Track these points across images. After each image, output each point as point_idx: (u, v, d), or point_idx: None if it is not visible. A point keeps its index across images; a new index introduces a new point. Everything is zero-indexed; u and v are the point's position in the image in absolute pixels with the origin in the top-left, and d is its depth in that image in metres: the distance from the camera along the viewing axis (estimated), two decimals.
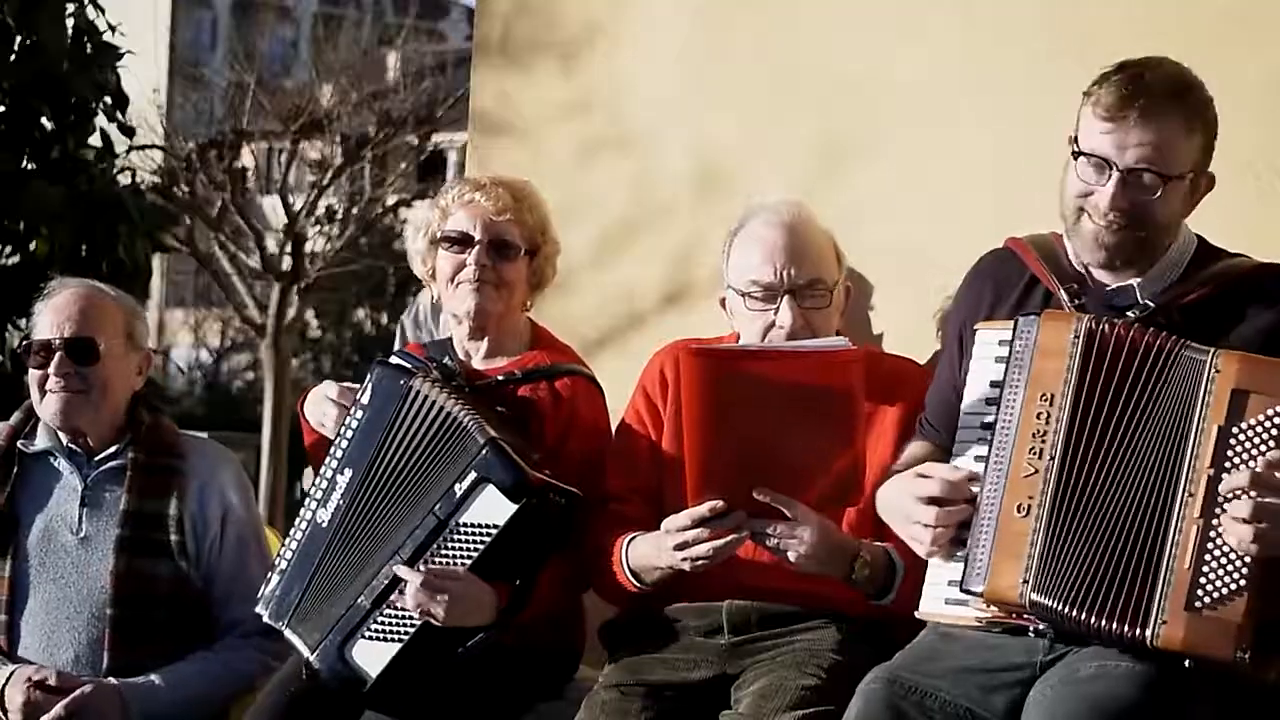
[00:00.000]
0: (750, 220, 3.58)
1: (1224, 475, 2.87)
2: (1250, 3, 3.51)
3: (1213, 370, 2.91)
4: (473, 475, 3.40)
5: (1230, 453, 2.88)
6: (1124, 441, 2.94)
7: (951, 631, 3.08)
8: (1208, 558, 2.85)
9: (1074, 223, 3.11)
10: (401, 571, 3.41)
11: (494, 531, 3.39)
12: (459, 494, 3.40)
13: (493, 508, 3.39)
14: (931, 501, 3.05)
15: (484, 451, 3.40)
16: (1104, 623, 2.87)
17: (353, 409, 3.59)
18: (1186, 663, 2.85)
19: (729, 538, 3.21)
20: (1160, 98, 3.00)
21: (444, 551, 3.42)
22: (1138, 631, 2.85)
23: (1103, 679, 2.86)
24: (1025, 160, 3.70)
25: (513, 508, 3.37)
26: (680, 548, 3.25)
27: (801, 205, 3.62)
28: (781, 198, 3.69)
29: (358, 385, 3.65)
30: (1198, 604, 2.84)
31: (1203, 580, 2.85)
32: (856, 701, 2.99)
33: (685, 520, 3.23)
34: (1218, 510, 2.86)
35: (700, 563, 3.25)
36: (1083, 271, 3.16)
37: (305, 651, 3.52)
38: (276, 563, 3.62)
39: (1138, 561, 2.88)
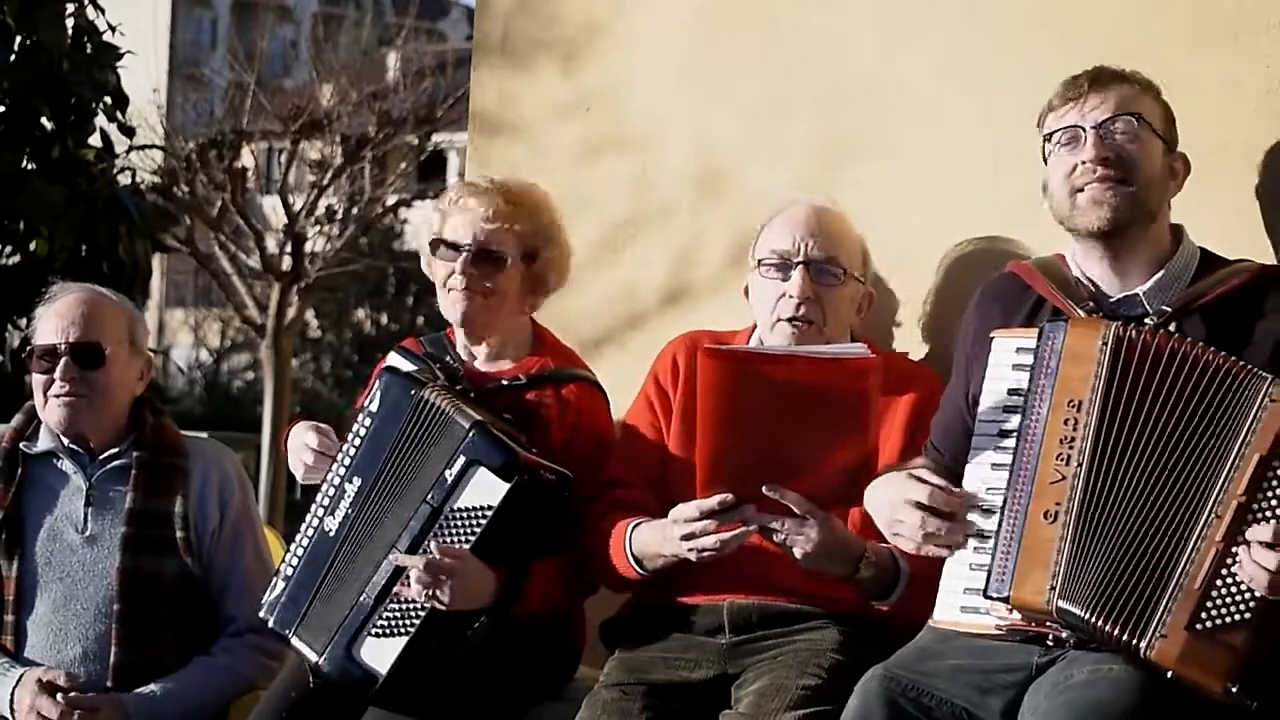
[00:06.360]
0: (785, 204, 3.64)
1: (1254, 507, 2.83)
2: (1253, 3, 3.50)
3: (1267, 399, 2.86)
4: (462, 459, 3.40)
5: (1266, 485, 2.83)
6: (1154, 450, 2.91)
7: (950, 632, 3.07)
8: (1219, 583, 2.83)
9: (1069, 209, 3.13)
10: (403, 560, 3.40)
11: (489, 513, 3.39)
12: (450, 479, 3.41)
13: (486, 489, 3.39)
14: (918, 507, 3.05)
15: (470, 434, 3.40)
16: (1110, 627, 2.86)
17: (361, 415, 3.58)
18: (1169, 673, 2.83)
19: (736, 531, 3.22)
20: (1105, 75, 3.16)
21: (441, 538, 3.41)
22: (1135, 640, 2.84)
23: (1095, 685, 2.86)
24: (1025, 160, 3.69)
25: (505, 487, 3.38)
26: (687, 538, 3.26)
27: (835, 201, 3.67)
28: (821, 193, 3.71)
29: (333, 432, 3.64)
30: (1199, 625, 2.83)
31: (1209, 604, 2.83)
32: (854, 699, 2.99)
33: (693, 511, 3.24)
34: (1240, 539, 2.83)
35: (706, 554, 3.26)
36: (1091, 287, 3.15)
37: (312, 657, 3.51)
38: (281, 568, 3.62)
39: (1150, 571, 2.86)
